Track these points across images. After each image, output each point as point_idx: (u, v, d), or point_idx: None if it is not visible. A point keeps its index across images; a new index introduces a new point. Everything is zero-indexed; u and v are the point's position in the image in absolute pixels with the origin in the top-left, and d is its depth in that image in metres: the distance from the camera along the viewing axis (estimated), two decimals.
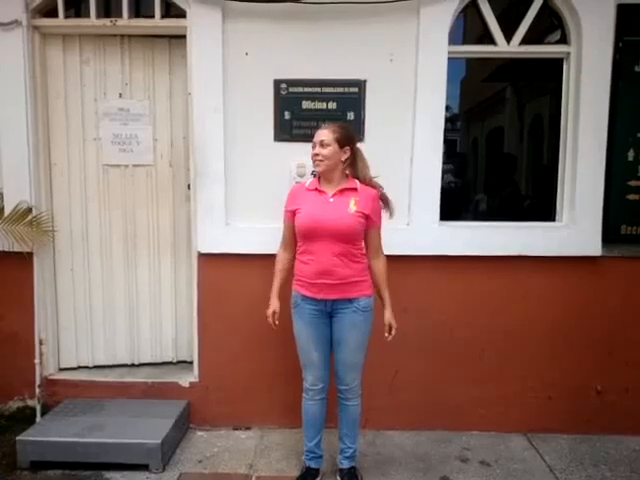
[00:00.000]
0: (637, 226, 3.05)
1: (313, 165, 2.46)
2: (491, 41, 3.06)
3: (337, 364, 2.52)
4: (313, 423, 2.59)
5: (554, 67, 3.13)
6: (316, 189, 2.45)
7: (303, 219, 2.40)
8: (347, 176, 2.48)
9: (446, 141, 3.08)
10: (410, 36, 2.96)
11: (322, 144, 2.38)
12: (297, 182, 2.90)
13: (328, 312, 2.46)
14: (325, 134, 2.40)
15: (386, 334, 2.50)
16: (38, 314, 3.14)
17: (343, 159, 2.42)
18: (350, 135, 2.47)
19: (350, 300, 2.41)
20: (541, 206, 3.42)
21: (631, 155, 3.01)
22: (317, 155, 2.39)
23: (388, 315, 2.52)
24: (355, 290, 2.41)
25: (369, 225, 2.42)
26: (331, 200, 2.40)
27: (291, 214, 2.48)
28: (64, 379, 3.24)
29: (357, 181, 2.46)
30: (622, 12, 2.93)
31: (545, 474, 2.79)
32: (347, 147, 2.43)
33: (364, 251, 2.47)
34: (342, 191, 2.41)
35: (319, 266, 2.37)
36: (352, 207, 2.36)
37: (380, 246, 2.52)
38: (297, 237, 2.47)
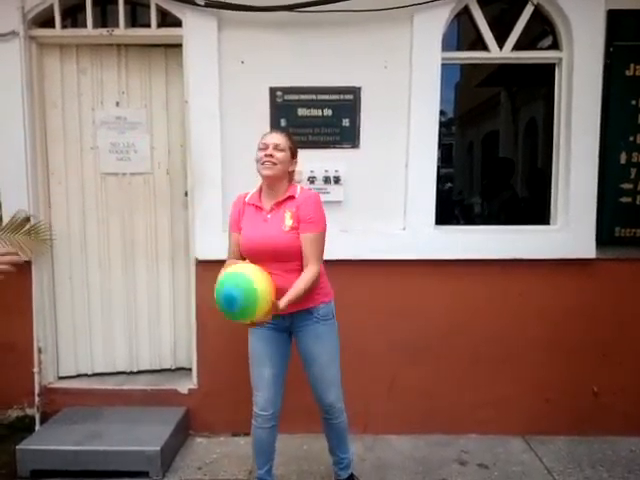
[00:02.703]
0: (630, 228, 3.07)
1: (260, 169, 2.22)
2: (484, 47, 3.10)
3: (314, 383, 2.37)
4: (263, 451, 2.42)
5: (547, 72, 3.17)
6: (254, 205, 2.29)
7: (243, 241, 2.26)
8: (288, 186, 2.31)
9: (441, 145, 3.12)
10: (404, 43, 3.00)
11: (277, 148, 2.20)
12: None
13: (287, 326, 2.32)
14: (279, 138, 2.24)
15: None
16: (37, 323, 3.15)
17: (291, 169, 2.30)
18: (297, 148, 2.34)
19: (309, 311, 2.27)
20: (536, 209, 3.45)
21: (623, 158, 3.03)
22: (271, 157, 2.18)
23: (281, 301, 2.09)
24: (311, 300, 2.25)
25: (299, 231, 2.20)
26: (268, 216, 2.24)
27: (235, 225, 2.32)
28: (63, 387, 3.25)
29: (298, 186, 2.32)
30: (612, 17, 2.97)
31: (543, 476, 2.80)
32: (295, 160, 2.32)
33: None
34: (279, 204, 2.24)
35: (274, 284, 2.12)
36: (287, 222, 2.20)
37: (312, 255, 2.20)
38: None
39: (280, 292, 2.11)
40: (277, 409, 2.38)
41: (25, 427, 3.12)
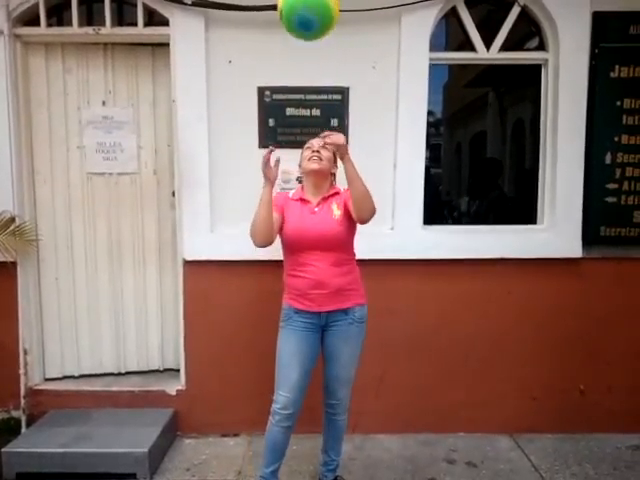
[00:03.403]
0: (616, 228, 3.10)
1: (308, 164, 2.32)
2: (471, 48, 3.11)
3: (329, 379, 2.43)
4: (275, 449, 2.39)
5: (533, 73, 3.19)
6: (300, 199, 2.38)
7: (289, 232, 2.33)
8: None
9: (430, 146, 3.13)
10: (392, 44, 3.00)
11: (323, 148, 2.30)
12: (282, 189, 2.91)
13: (322, 325, 2.35)
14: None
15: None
16: (22, 324, 3.11)
17: (333, 171, 2.41)
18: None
19: (345, 311, 2.34)
20: (523, 209, 3.48)
21: (609, 158, 3.06)
22: (318, 152, 2.30)
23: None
24: (349, 300, 2.34)
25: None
26: (316, 209, 2.34)
27: (277, 208, 2.34)
28: (50, 389, 3.21)
29: (340, 187, 2.43)
30: (597, 19, 2.99)
31: (530, 473, 2.82)
32: (337, 164, 2.38)
33: (354, 257, 2.42)
34: (325, 199, 2.36)
35: (314, 276, 2.28)
36: (336, 212, 2.31)
37: None
38: (285, 251, 2.40)
39: (317, 285, 2.28)
40: (297, 410, 2.36)
41: (10, 429, 3.08)
